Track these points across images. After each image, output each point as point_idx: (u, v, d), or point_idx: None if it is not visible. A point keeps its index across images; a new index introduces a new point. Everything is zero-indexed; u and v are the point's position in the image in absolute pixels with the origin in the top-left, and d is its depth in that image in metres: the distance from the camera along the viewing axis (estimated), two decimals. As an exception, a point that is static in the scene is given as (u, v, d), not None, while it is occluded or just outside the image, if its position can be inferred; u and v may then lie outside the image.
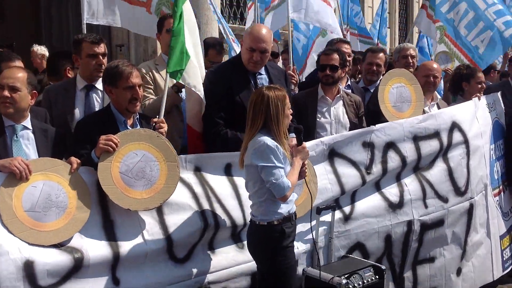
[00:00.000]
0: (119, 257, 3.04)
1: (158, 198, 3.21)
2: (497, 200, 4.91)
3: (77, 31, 4.39)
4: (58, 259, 2.87)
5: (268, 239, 3.20)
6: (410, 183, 4.26)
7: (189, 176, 3.49)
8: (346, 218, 3.95)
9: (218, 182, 3.56)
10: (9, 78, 3.14)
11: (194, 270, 3.29)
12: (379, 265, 3.78)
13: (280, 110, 3.19)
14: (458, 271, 4.53)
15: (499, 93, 5.23)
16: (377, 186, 4.16)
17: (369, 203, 4.07)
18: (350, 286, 3.47)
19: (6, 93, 3.10)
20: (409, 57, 5.49)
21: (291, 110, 3.30)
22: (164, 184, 3.23)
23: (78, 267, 2.90)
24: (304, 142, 3.33)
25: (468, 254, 4.58)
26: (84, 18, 4.56)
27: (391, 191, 4.19)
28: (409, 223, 4.17)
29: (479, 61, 6.06)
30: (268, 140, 3.14)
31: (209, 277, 3.33)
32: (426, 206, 4.26)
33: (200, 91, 3.82)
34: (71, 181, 3.05)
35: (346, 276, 3.50)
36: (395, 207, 4.13)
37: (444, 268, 4.41)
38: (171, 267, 3.23)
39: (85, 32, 4.41)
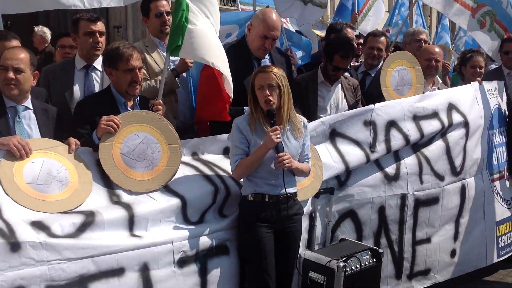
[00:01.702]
0: (133, 217, 2.98)
1: (159, 180, 3.20)
2: (495, 186, 4.91)
3: (74, 11, 4.23)
4: (71, 217, 2.82)
5: (239, 210, 3.34)
6: (408, 157, 4.28)
7: (189, 159, 3.48)
8: (341, 184, 3.94)
9: (221, 161, 3.56)
10: (13, 59, 3.10)
11: (210, 228, 3.25)
12: (377, 248, 3.80)
13: (248, 90, 3.27)
14: (453, 253, 4.56)
15: (503, 82, 5.22)
16: (376, 162, 4.14)
17: (365, 173, 4.07)
18: (348, 269, 3.48)
19: (11, 74, 3.07)
20: (422, 42, 5.56)
21: (266, 91, 3.16)
22: (166, 166, 3.22)
23: (92, 222, 2.84)
24: (275, 127, 3.14)
25: (461, 236, 4.59)
26: None
27: (388, 164, 4.19)
28: (403, 197, 4.18)
29: None
30: (237, 119, 3.29)
31: (226, 234, 3.31)
32: (421, 182, 4.28)
33: (209, 61, 3.50)
34: (71, 160, 3.02)
35: (343, 259, 3.51)
36: (390, 179, 4.14)
37: (438, 248, 4.44)
38: (187, 225, 3.18)
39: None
